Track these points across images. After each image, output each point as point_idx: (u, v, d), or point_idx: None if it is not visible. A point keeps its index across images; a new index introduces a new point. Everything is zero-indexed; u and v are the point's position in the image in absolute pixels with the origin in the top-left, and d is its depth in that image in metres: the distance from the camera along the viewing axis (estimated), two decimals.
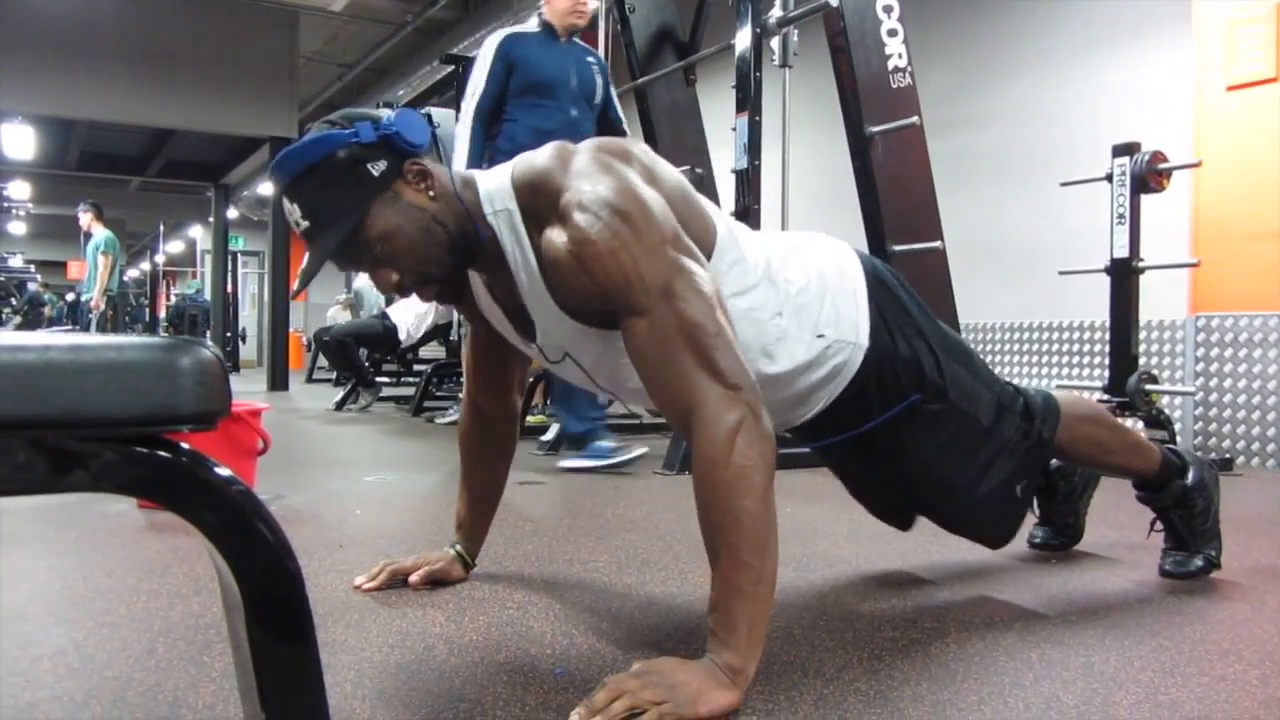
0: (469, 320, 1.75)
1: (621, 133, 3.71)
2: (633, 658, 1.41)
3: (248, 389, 9.20)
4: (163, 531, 2.34)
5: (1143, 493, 2.01)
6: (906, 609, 1.75)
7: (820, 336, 1.57)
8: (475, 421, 1.86)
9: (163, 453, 0.80)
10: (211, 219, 12.14)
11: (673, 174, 1.50)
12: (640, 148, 1.50)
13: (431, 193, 1.40)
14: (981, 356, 1.92)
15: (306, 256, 1.38)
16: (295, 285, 1.36)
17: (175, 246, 21.17)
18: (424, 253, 1.40)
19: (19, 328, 9.14)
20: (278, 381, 9.17)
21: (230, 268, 13.29)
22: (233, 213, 15.26)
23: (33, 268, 11.26)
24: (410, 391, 6.70)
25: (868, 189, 3.88)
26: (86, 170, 12.01)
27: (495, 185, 1.44)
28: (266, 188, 10.32)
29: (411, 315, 6.65)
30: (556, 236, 1.33)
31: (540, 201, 1.37)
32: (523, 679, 1.36)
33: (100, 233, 9.52)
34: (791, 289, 1.58)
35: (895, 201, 3.88)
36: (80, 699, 1.26)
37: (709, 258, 1.44)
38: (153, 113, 8.45)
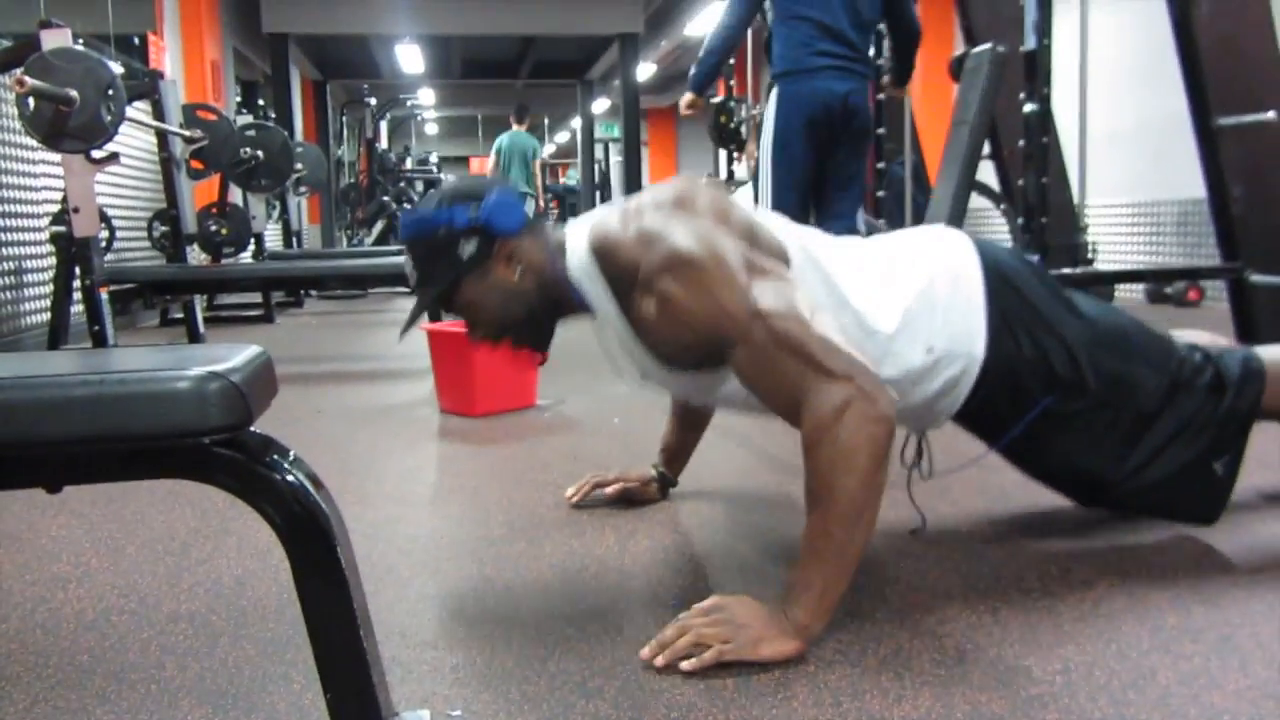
0: None
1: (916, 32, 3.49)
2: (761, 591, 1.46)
3: None
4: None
5: None
6: (1056, 554, 1.67)
7: (929, 350, 1.54)
8: None
9: (225, 451, 1.04)
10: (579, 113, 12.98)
11: (741, 209, 1.56)
12: (707, 191, 1.57)
13: (519, 270, 1.56)
14: (1155, 329, 1.72)
15: (413, 304, 1.60)
16: (401, 331, 1.60)
17: (563, 137, 22.85)
18: (503, 322, 1.58)
19: None
20: None
21: (604, 154, 14.19)
22: (606, 103, 16.14)
23: (436, 168, 12.68)
24: None
25: (1189, 55, 3.41)
26: (470, 78, 13.31)
27: (577, 251, 1.54)
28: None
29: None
30: (647, 307, 1.45)
31: (620, 273, 1.48)
32: (646, 605, 1.53)
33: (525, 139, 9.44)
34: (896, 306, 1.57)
35: (1224, 64, 3.38)
36: None
37: None
38: (514, 22, 9.26)
